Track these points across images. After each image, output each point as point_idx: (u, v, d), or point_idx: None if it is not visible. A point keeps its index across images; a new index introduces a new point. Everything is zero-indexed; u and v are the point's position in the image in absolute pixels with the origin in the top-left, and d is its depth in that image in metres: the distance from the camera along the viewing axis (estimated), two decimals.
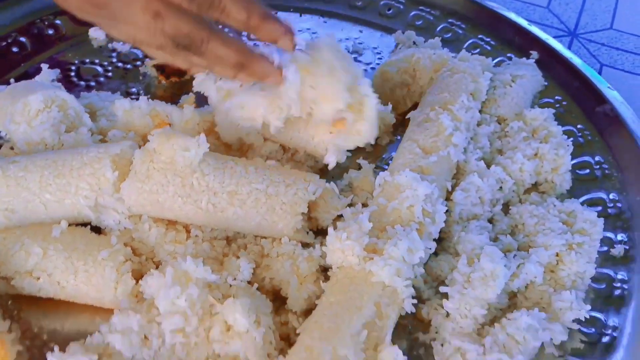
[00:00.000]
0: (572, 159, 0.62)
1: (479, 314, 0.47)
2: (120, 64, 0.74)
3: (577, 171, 0.62)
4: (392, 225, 0.50)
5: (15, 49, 0.73)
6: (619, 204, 0.59)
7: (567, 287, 0.50)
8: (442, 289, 0.49)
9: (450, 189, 0.56)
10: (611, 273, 0.53)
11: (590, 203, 0.59)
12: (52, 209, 0.49)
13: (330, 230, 0.49)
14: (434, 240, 0.52)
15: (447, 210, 0.55)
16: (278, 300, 0.51)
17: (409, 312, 0.48)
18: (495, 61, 0.74)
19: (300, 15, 0.82)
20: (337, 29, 0.80)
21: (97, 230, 0.51)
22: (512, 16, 0.78)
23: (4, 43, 0.73)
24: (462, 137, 0.58)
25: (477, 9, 0.80)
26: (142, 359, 0.45)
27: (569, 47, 0.83)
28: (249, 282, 0.49)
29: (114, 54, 0.75)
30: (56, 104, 0.57)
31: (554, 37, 0.84)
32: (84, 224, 0.51)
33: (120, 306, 0.47)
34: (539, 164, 0.60)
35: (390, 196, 0.52)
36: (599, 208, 0.59)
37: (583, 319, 0.49)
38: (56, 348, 0.45)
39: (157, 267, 0.50)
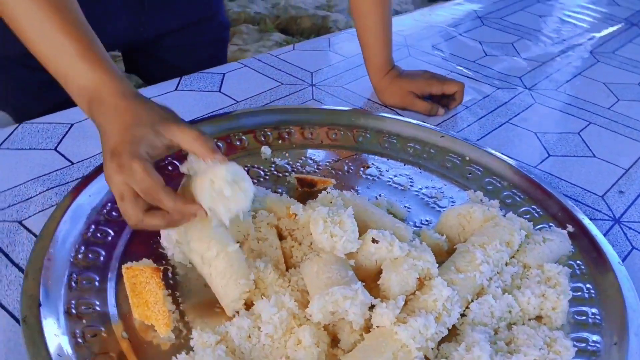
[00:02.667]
0: (573, 307, 0.81)
1: None
2: (275, 172, 1.04)
3: (576, 316, 0.80)
4: (420, 309, 0.72)
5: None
6: (598, 344, 0.76)
7: None
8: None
9: (470, 301, 0.77)
10: None
11: (578, 340, 0.77)
12: None
13: (380, 304, 0.72)
14: (448, 329, 0.73)
15: (464, 315, 0.76)
16: (334, 341, 0.73)
17: None
18: (538, 227, 0.95)
19: (404, 165, 1.09)
20: (428, 179, 1.06)
21: None
22: (561, 197, 0.99)
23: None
24: (488, 268, 0.79)
25: (535, 187, 1.02)
26: (244, 348, 0.69)
27: (609, 230, 1.01)
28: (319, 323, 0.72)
29: (273, 166, 1.05)
30: None
31: (599, 219, 1.03)
32: None
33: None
34: (543, 302, 0.79)
35: (424, 292, 0.75)
36: (583, 344, 0.76)
37: None
38: (198, 329, 0.71)
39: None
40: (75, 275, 0.78)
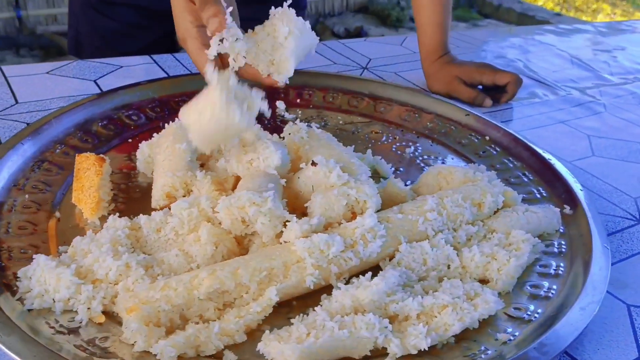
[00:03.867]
0: (533, 281, 0.70)
1: (348, 304, 0.60)
2: (279, 123, 1.03)
3: (529, 288, 0.69)
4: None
5: None
6: (536, 315, 0.65)
7: (429, 331, 0.59)
8: (339, 284, 0.63)
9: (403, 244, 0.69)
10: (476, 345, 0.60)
11: (517, 307, 0.66)
12: None
13: (293, 218, 0.67)
14: (362, 260, 0.66)
15: (393, 259, 0.69)
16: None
17: (310, 287, 0.63)
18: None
19: (417, 137, 1.03)
20: (436, 151, 0.98)
21: None
22: (572, 183, 0.86)
23: None
24: (438, 219, 0.71)
25: (547, 169, 0.91)
26: (149, 238, 0.69)
27: (627, 228, 0.86)
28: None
29: (280, 118, 1.04)
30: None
31: (620, 217, 0.89)
32: None
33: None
34: (490, 263, 0.69)
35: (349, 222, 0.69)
36: (520, 312, 0.65)
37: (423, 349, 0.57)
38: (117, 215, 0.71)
39: None
40: (42, 162, 0.83)
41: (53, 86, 1.11)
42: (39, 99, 1.06)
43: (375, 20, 5.34)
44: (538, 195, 0.87)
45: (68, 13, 1.47)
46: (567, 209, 0.81)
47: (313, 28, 0.79)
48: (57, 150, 0.86)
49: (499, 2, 6.73)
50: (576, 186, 0.85)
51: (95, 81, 1.15)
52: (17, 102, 1.04)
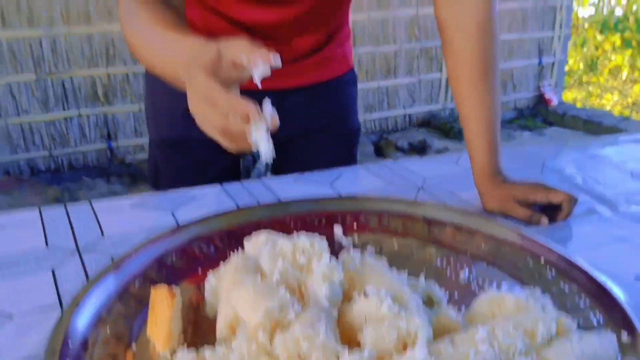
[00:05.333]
0: None
1: None
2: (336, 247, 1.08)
3: None
4: None
5: None
6: None
7: None
8: None
9: None
10: None
11: None
12: None
13: (345, 351, 0.70)
14: None
15: None
16: None
17: None
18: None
19: (472, 260, 1.04)
20: (494, 275, 1.00)
21: None
22: (628, 309, 0.84)
23: None
24: (490, 351, 0.72)
25: (602, 292, 0.89)
26: None
27: None
28: None
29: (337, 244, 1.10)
30: None
31: None
32: None
33: None
34: None
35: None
36: None
37: None
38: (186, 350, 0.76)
39: None
40: (123, 295, 0.91)
41: (134, 219, 1.22)
42: (123, 232, 1.16)
43: (437, 133, 5.46)
44: (594, 322, 0.85)
45: (148, 147, 1.63)
46: (625, 336, 0.80)
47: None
48: (136, 284, 0.94)
49: (564, 110, 6.72)
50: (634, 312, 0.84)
51: (172, 212, 1.26)
52: (103, 235, 1.15)
